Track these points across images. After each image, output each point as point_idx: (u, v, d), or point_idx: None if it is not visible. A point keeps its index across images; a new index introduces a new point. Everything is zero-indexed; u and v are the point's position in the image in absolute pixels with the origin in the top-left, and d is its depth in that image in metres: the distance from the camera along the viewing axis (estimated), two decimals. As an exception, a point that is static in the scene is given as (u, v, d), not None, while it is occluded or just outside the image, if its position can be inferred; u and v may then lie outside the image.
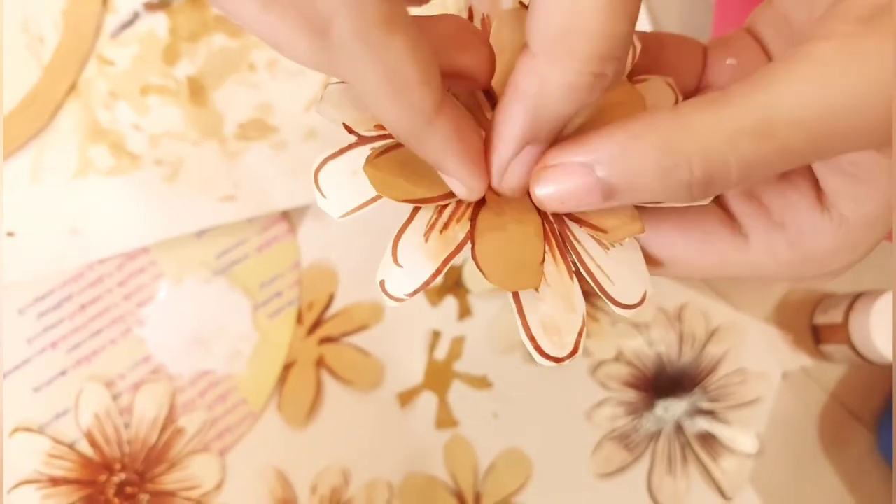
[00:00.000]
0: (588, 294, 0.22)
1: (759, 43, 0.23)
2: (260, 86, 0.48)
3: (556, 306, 0.20)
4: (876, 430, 0.50)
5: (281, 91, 0.49)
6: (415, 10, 0.20)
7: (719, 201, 0.22)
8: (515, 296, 0.20)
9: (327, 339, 0.47)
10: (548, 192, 0.19)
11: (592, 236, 0.21)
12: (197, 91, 0.48)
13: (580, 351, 0.20)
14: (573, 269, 0.21)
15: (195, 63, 0.48)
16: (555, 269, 0.21)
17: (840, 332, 0.48)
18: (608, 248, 0.21)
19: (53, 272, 0.46)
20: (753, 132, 0.16)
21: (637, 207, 0.21)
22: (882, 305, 0.45)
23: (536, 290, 0.20)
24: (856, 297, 0.47)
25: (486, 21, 0.23)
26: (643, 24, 0.50)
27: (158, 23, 0.48)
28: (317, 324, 0.47)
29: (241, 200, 0.47)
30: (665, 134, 0.17)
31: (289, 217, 0.48)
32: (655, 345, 0.49)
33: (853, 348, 0.47)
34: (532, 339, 0.20)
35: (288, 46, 0.18)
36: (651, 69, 0.24)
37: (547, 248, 0.21)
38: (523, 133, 0.19)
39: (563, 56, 0.17)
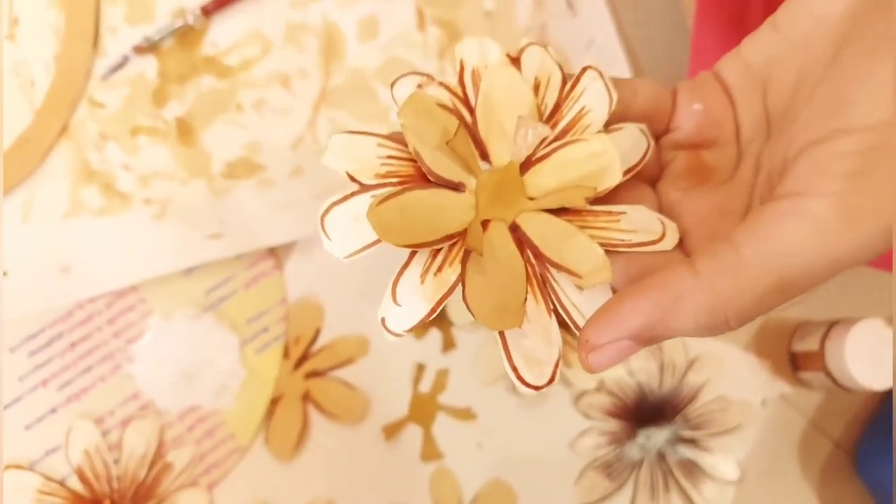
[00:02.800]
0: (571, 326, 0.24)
1: (724, 87, 0.25)
2: (247, 125, 0.50)
3: (536, 341, 0.23)
4: (856, 456, 0.51)
5: (268, 130, 0.50)
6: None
7: (683, 247, 0.24)
8: (501, 332, 0.23)
9: (313, 374, 0.48)
10: (603, 365, 0.21)
11: (569, 278, 0.23)
12: (185, 131, 0.49)
13: (556, 379, 0.23)
14: (552, 307, 0.23)
15: (184, 104, 0.50)
16: (535, 308, 0.23)
17: (817, 360, 0.48)
18: (583, 289, 0.23)
19: (44, 311, 0.47)
20: (775, 290, 0.19)
21: (608, 253, 0.23)
22: (856, 333, 0.46)
23: (520, 327, 0.23)
24: (831, 325, 0.48)
25: (475, 74, 0.26)
26: (622, 66, 0.52)
27: (148, 65, 0.50)
28: (303, 358, 0.48)
29: (228, 237, 0.48)
30: (700, 304, 0.20)
31: (275, 253, 0.49)
32: (636, 374, 0.49)
33: (829, 376, 0.48)
34: (515, 370, 0.22)
35: None
36: (625, 115, 0.26)
37: (529, 288, 0.23)
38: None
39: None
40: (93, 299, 0.47)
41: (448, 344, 0.49)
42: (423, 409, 0.48)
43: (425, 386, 0.48)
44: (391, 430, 0.48)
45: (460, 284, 0.23)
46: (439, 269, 0.23)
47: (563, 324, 0.23)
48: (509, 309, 0.22)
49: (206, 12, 0.50)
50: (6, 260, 0.47)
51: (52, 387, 0.46)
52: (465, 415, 0.48)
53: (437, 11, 0.52)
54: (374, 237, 0.23)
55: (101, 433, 0.45)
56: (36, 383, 0.46)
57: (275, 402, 0.47)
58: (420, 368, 0.48)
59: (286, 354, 0.48)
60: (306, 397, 0.47)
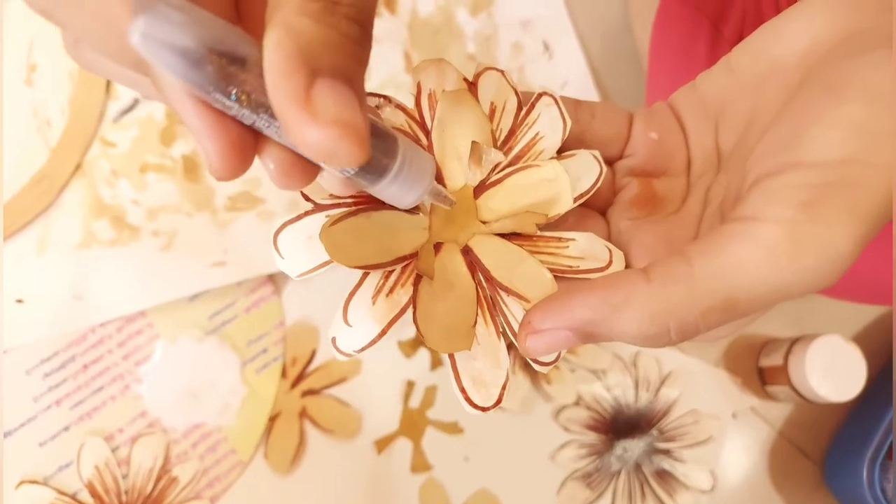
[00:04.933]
0: None
1: (678, 119, 0.27)
2: (247, 162, 0.54)
3: (485, 362, 0.23)
4: (823, 466, 0.54)
5: (267, 166, 0.54)
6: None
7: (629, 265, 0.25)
8: (451, 355, 0.23)
9: (309, 392, 0.51)
10: (539, 350, 0.21)
11: (518, 302, 0.24)
12: (191, 168, 0.53)
13: (503, 402, 0.23)
14: (501, 329, 0.24)
15: (189, 143, 0.54)
16: (485, 330, 0.23)
17: (781, 374, 0.52)
18: None
19: (58, 335, 0.50)
20: (720, 308, 0.19)
21: (556, 278, 0.24)
22: (816, 348, 0.49)
23: (469, 350, 0.23)
24: (794, 342, 0.52)
25: (432, 96, 0.26)
26: (590, 91, 0.56)
27: (156, 108, 0.54)
28: (300, 377, 0.51)
29: (230, 266, 0.51)
30: (647, 309, 0.20)
31: (274, 280, 0.53)
32: (613, 389, 0.53)
33: (793, 388, 0.51)
34: (463, 391, 0.23)
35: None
36: (583, 136, 0.27)
37: (479, 311, 0.23)
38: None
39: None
40: (104, 324, 0.50)
41: (436, 362, 0.52)
42: (412, 424, 0.51)
43: (415, 402, 0.51)
44: (383, 444, 0.51)
45: (411, 306, 0.23)
46: (391, 290, 0.23)
47: (511, 347, 0.25)
48: (459, 332, 0.22)
49: (210, 58, 0.54)
50: (23, 289, 0.50)
51: (65, 406, 0.49)
52: (453, 429, 0.51)
53: (424, 54, 0.56)
54: (327, 257, 0.22)
55: (110, 449, 0.48)
56: (50, 403, 0.49)
57: (273, 418, 0.50)
58: (410, 385, 0.52)
59: (284, 374, 0.51)
60: (303, 414, 0.50)
